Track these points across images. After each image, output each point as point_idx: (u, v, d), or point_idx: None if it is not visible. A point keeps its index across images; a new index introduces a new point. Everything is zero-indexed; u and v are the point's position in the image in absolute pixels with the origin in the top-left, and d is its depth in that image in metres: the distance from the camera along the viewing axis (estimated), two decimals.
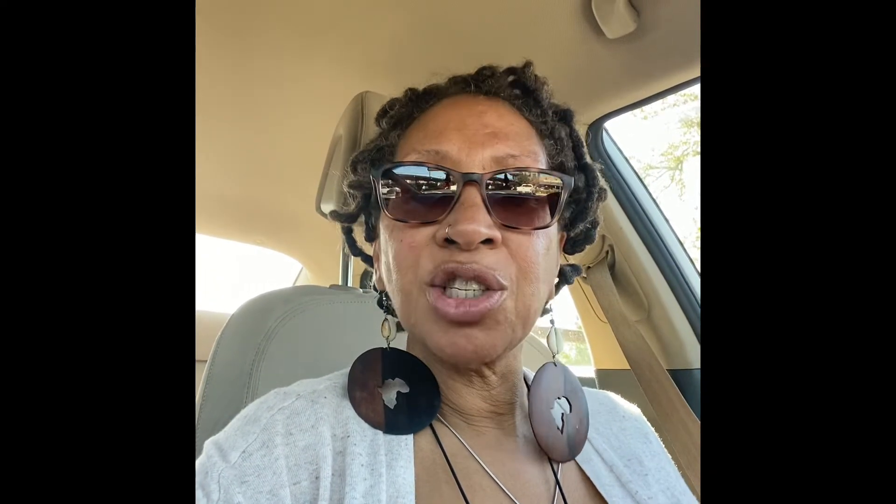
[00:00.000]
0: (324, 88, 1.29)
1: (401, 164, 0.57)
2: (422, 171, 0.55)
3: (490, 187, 0.53)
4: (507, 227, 0.54)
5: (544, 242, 0.56)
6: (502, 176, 0.54)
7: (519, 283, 0.54)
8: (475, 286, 0.52)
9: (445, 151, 0.55)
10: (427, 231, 0.54)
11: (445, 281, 0.52)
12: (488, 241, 0.52)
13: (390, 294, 0.60)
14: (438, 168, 0.54)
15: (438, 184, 0.54)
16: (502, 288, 0.52)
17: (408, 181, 0.56)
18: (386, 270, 0.59)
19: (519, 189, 0.55)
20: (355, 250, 0.71)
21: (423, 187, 0.55)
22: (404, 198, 0.55)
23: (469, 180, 0.53)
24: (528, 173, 0.55)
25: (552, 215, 0.56)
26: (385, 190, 0.56)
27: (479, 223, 0.51)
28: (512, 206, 0.54)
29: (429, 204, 0.54)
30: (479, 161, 0.55)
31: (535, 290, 0.55)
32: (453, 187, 0.53)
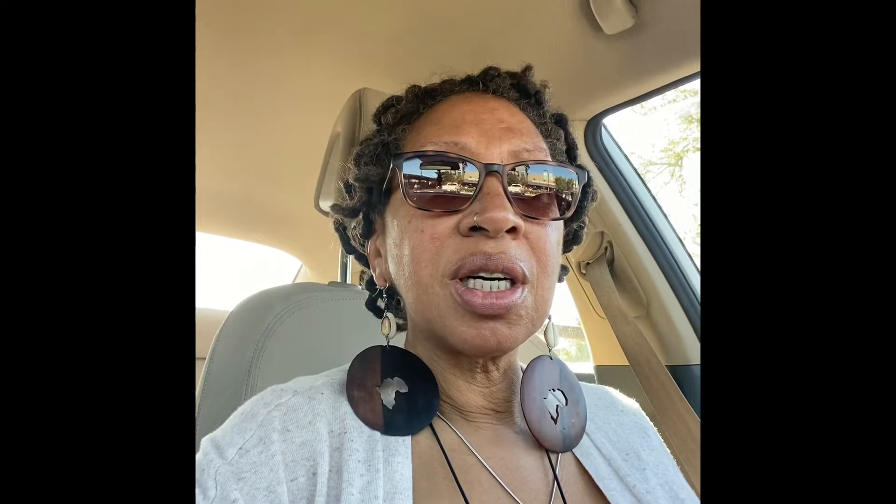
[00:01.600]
0: (322, 86, 1.29)
1: (423, 153, 0.57)
2: (443, 161, 0.56)
3: (510, 179, 0.55)
4: (527, 217, 0.55)
5: (556, 236, 0.58)
6: (521, 168, 0.56)
7: (539, 277, 0.55)
8: (500, 276, 0.53)
9: (465, 143, 0.56)
10: (449, 221, 0.54)
11: (472, 273, 0.53)
12: (512, 231, 0.53)
13: (401, 289, 0.59)
14: (461, 158, 0.55)
15: (460, 174, 0.55)
16: (526, 281, 0.53)
17: (428, 171, 0.56)
18: (397, 264, 0.59)
19: (536, 181, 0.56)
20: (349, 248, 0.71)
21: (445, 177, 0.55)
22: (424, 188, 0.56)
23: (491, 171, 0.54)
24: (544, 166, 0.57)
25: (567, 207, 0.58)
26: (406, 180, 0.56)
27: (508, 210, 0.52)
28: (529, 199, 0.56)
29: (450, 194, 0.55)
30: (497, 154, 0.56)
31: (551, 284, 0.57)
32: (474, 178, 0.54)
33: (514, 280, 0.53)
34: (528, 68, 0.66)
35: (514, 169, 0.55)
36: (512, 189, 0.54)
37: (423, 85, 0.66)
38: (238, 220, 2.17)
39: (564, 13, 1.02)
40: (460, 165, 0.55)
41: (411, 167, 0.56)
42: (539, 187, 0.56)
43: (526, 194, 0.55)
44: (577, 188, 0.59)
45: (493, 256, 0.52)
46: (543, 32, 1.07)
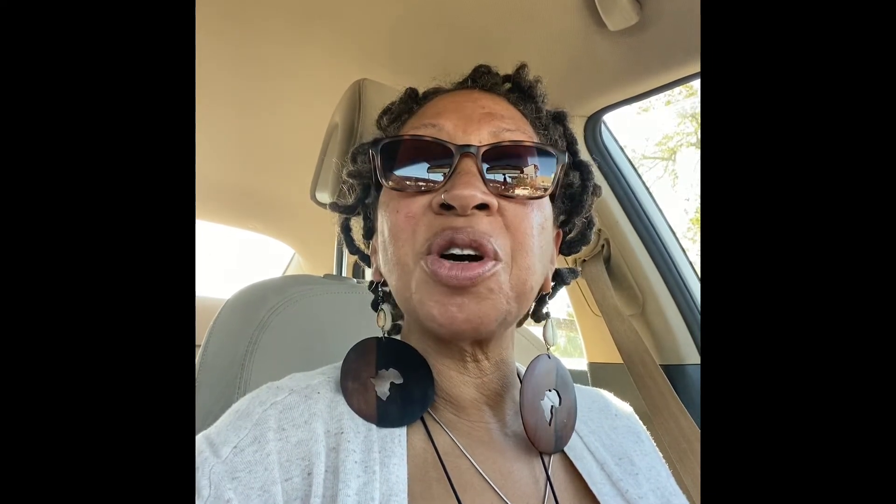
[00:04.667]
0: (321, 76, 1.28)
1: (399, 137, 0.58)
2: (419, 143, 0.57)
3: (485, 159, 0.55)
4: (502, 196, 0.55)
5: (539, 218, 0.58)
6: (497, 149, 0.56)
7: (514, 256, 0.55)
8: (470, 252, 0.53)
9: (442, 125, 0.57)
10: (423, 200, 0.55)
11: (442, 249, 0.53)
12: (484, 207, 0.53)
13: (387, 274, 0.60)
14: (436, 140, 0.56)
15: (435, 155, 0.56)
16: (498, 258, 0.53)
17: (405, 154, 0.57)
18: (382, 250, 0.59)
19: (513, 163, 0.57)
20: (353, 248, 0.71)
21: (420, 159, 0.56)
22: (401, 168, 0.57)
23: (465, 152, 0.55)
24: (521, 147, 0.57)
25: (547, 188, 0.58)
26: (382, 163, 0.58)
27: (475, 188, 0.53)
28: (507, 178, 0.56)
29: (426, 174, 0.56)
30: (475, 137, 0.57)
31: (531, 264, 0.56)
32: (449, 159, 0.55)
33: (485, 256, 0.53)
34: (521, 67, 0.66)
35: (490, 150, 0.55)
36: (488, 168, 0.55)
37: (422, 84, 0.67)
38: (234, 209, 2.15)
39: (567, 8, 1.01)
40: (435, 147, 0.56)
41: (387, 151, 0.58)
42: (517, 169, 0.57)
43: (503, 174, 0.56)
44: (557, 168, 0.58)
45: (459, 230, 0.52)
46: (545, 27, 1.06)
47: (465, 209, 0.52)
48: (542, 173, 0.58)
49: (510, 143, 0.57)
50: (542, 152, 0.58)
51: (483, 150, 0.55)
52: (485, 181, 0.54)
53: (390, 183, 0.57)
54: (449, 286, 0.52)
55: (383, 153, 0.58)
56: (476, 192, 0.52)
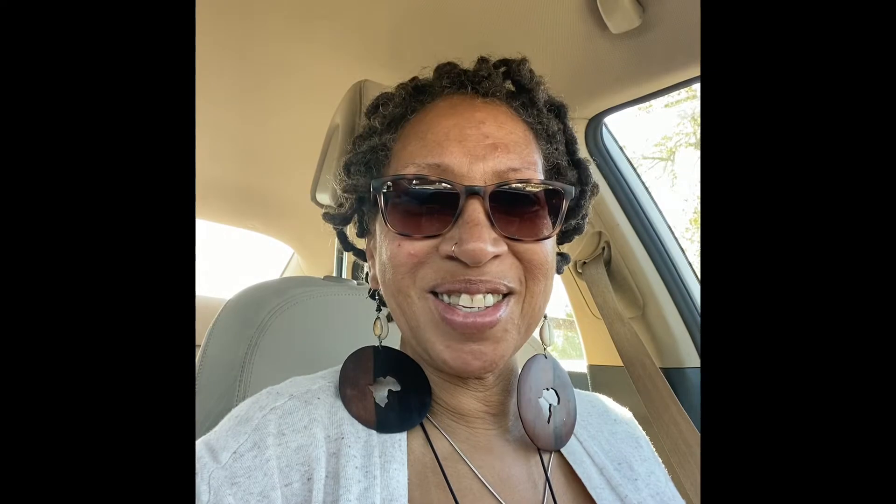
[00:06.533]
0: (322, 76, 1.28)
1: (402, 177, 0.55)
2: (423, 185, 0.54)
3: (492, 200, 0.53)
4: (511, 238, 0.53)
5: (550, 245, 0.57)
6: (504, 189, 0.53)
7: (528, 285, 0.55)
8: (482, 298, 0.52)
9: (447, 164, 0.54)
10: (429, 243, 0.53)
11: (452, 294, 0.52)
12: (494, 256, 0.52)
13: (384, 294, 0.59)
14: (441, 181, 0.53)
15: (440, 197, 0.53)
16: (512, 293, 0.53)
17: (408, 194, 0.54)
18: (380, 271, 0.58)
19: (521, 201, 0.54)
20: (347, 246, 0.70)
21: (425, 201, 0.54)
22: (405, 210, 0.54)
23: (472, 193, 0.52)
24: (529, 186, 0.55)
25: (553, 224, 0.56)
26: (385, 203, 0.55)
27: (485, 241, 0.51)
28: (515, 218, 0.54)
29: (431, 217, 0.53)
30: (480, 174, 0.53)
31: (544, 288, 0.56)
32: (455, 201, 0.52)
33: (500, 297, 0.53)
34: (523, 61, 0.62)
35: (496, 190, 0.53)
36: (496, 209, 0.53)
37: (417, 77, 0.63)
38: (234, 208, 2.15)
39: (570, 10, 1.01)
40: (440, 188, 0.53)
41: (389, 190, 0.55)
42: (524, 207, 0.55)
43: (510, 214, 0.54)
44: (564, 203, 0.56)
45: (473, 282, 0.51)
46: (548, 29, 1.06)
47: (477, 264, 0.51)
48: (550, 212, 0.56)
49: (518, 181, 0.54)
50: (549, 191, 0.56)
51: (489, 190, 0.52)
52: (493, 225, 0.52)
53: (394, 227, 0.54)
54: (464, 333, 0.52)
55: (384, 191, 0.55)
56: (486, 245, 0.50)
